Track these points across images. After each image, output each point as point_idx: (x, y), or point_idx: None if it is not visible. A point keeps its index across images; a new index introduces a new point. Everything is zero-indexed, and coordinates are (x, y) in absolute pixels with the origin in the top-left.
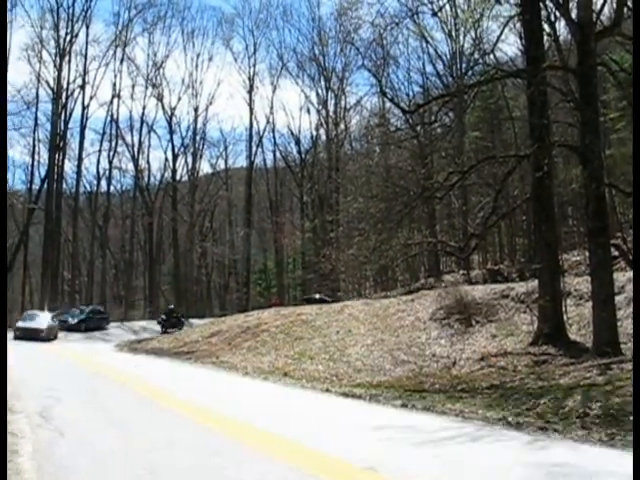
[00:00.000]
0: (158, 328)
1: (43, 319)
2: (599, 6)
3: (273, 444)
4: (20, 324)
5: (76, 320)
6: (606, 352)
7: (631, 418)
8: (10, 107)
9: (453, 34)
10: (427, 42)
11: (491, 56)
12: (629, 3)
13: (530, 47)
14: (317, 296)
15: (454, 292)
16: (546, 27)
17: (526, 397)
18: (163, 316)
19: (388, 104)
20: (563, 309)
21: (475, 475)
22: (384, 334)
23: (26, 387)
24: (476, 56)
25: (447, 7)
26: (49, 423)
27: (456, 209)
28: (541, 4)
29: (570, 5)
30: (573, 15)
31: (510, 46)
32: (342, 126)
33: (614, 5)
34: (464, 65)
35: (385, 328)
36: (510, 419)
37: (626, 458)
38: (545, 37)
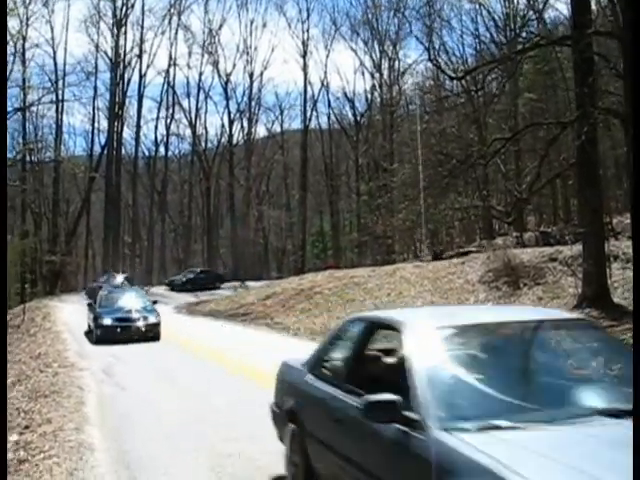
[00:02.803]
0: (217, 291)
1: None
2: None
3: None
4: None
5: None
6: None
7: None
8: (70, 79)
9: None
10: (480, 4)
11: (546, 15)
12: None
13: (576, 12)
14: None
15: (502, 255)
16: None
17: None
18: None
19: (441, 61)
20: (607, 273)
21: None
22: (433, 296)
23: (88, 346)
24: (530, 15)
25: None
26: (111, 379)
27: (510, 172)
28: None
29: None
30: None
31: (567, 5)
32: (396, 89)
33: None
34: (518, 25)
35: (435, 290)
36: None
37: None
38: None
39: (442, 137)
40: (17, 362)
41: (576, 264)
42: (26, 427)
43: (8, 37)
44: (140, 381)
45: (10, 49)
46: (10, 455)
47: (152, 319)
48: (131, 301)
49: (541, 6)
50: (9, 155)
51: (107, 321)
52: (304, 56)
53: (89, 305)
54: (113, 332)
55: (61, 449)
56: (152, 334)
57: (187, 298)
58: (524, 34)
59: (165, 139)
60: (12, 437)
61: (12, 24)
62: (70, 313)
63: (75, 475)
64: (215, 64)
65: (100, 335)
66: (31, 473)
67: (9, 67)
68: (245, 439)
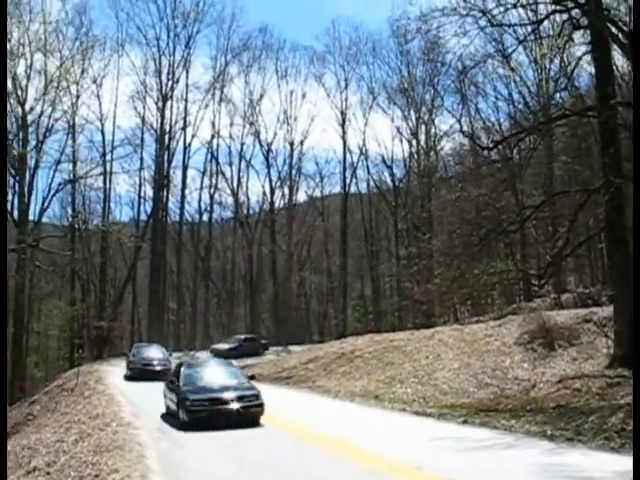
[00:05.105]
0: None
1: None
2: None
3: (346, 450)
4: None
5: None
6: None
7: None
8: (119, 151)
9: (539, 60)
10: (512, 70)
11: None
12: None
13: (600, 84)
14: (248, 336)
15: (537, 317)
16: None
17: (579, 415)
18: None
19: (477, 126)
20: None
21: (490, 469)
22: (471, 358)
23: (145, 407)
24: (562, 81)
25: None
26: (165, 436)
27: (546, 235)
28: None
29: None
30: None
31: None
32: (433, 155)
33: None
34: (550, 91)
35: (472, 352)
36: (548, 432)
37: (617, 460)
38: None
39: (476, 204)
40: (77, 422)
41: (609, 325)
42: (96, 476)
43: (60, 113)
44: (193, 438)
45: (63, 125)
46: None
47: None
48: None
49: (570, 72)
50: (58, 223)
51: None
52: (343, 124)
53: None
54: None
55: None
56: None
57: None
58: (558, 97)
59: (209, 207)
60: None
61: (65, 101)
62: (120, 377)
63: None
64: (256, 134)
65: None
66: None
67: (62, 142)
68: None
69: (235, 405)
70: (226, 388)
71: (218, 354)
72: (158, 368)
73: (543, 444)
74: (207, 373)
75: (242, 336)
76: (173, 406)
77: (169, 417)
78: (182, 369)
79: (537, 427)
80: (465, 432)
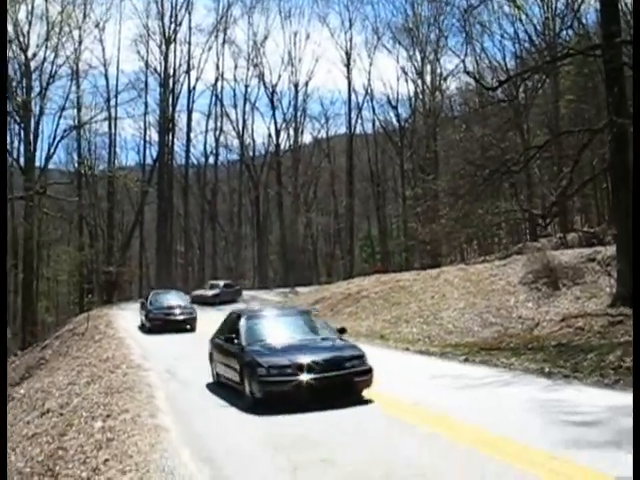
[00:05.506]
0: (267, 297)
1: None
2: None
3: None
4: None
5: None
6: None
7: None
8: (123, 96)
9: None
10: (518, 8)
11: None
12: None
13: (605, 22)
14: (227, 282)
15: (542, 257)
16: None
17: (578, 353)
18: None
19: (484, 65)
20: None
21: (488, 405)
22: (476, 298)
23: (156, 350)
24: (569, 19)
25: None
26: (174, 377)
27: (550, 175)
28: None
29: None
30: None
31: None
32: (438, 94)
33: None
34: (557, 28)
35: (477, 292)
36: (546, 370)
37: (610, 396)
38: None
39: (481, 144)
40: (88, 365)
41: (613, 264)
42: (107, 416)
43: (63, 59)
44: (195, 374)
45: (66, 71)
46: (99, 436)
47: None
48: None
49: (577, 9)
50: (64, 169)
51: None
52: (347, 65)
53: None
54: None
55: (141, 430)
56: None
57: (238, 305)
58: (564, 35)
59: (214, 150)
60: (97, 423)
61: (68, 46)
62: (130, 320)
63: (155, 447)
64: (261, 76)
65: None
66: (120, 447)
67: (66, 88)
68: None
69: (330, 373)
70: (313, 348)
71: (201, 301)
72: (180, 317)
73: (540, 381)
74: (280, 326)
75: (221, 282)
76: (232, 375)
77: (219, 389)
78: (242, 321)
79: (536, 365)
80: (466, 370)
